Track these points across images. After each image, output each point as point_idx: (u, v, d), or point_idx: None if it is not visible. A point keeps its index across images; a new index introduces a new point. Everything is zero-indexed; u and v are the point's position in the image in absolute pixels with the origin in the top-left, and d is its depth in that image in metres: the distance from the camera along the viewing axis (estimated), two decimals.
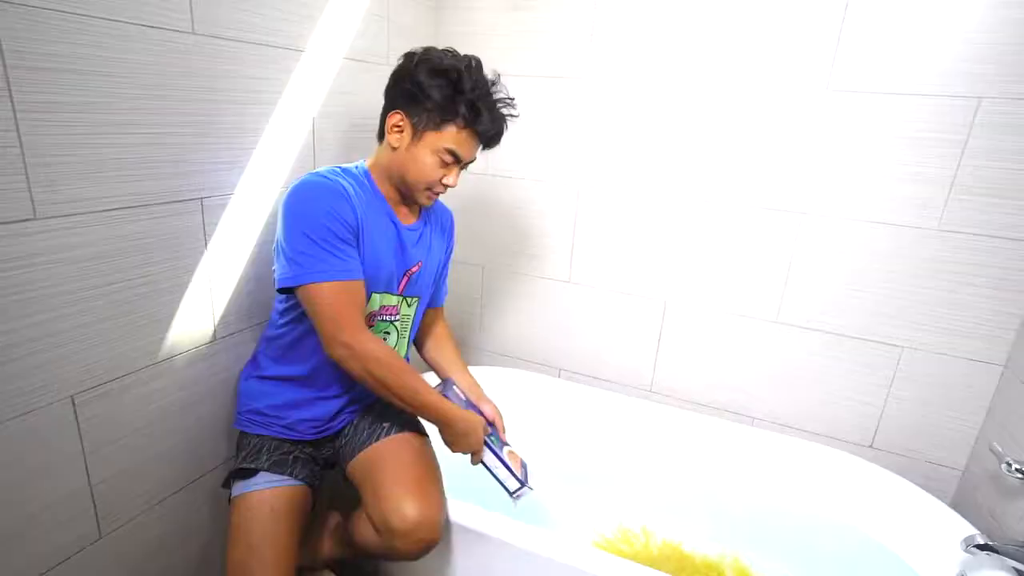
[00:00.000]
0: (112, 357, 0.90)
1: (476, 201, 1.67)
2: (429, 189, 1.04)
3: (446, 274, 1.27)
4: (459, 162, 1.03)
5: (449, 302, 1.34)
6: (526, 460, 1.16)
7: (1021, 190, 1.15)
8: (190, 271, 1.01)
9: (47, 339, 0.81)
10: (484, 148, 1.06)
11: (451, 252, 1.25)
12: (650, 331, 1.55)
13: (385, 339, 1.12)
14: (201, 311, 1.05)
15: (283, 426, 1.08)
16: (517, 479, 1.08)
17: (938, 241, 1.23)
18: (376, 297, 1.06)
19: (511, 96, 1.05)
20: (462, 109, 0.98)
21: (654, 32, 1.37)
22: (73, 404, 0.86)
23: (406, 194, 1.06)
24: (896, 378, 1.33)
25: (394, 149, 1.02)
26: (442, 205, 1.25)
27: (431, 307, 1.26)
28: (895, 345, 1.31)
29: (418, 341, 1.28)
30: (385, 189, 1.07)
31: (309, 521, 1.10)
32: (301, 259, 0.93)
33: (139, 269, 0.92)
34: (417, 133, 1.00)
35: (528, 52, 1.51)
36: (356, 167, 1.07)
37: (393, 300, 1.10)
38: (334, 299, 0.93)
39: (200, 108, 0.96)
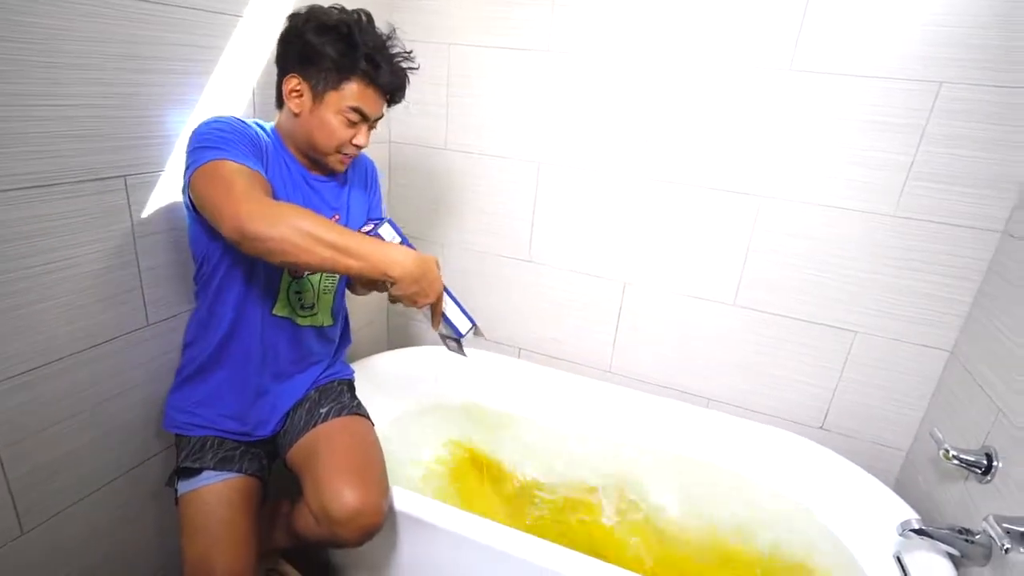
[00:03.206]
0: (29, 346, 0.85)
1: (434, 177, 1.62)
2: (340, 152, 0.99)
3: (379, 209, 1.21)
4: (366, 120, 0.98)
5: None
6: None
7: (976, 177, 1.14)
8: (117, 254, 0.95)
9: None
10: (389, 104, 1.02)
11: (379, 203, 1.20)
12: (609, 312, 1.54)
13: (299, 300, 1.06)
14: (130, 296, 0.99)
15: (224, 428, 1.04)
16: (470, 319, 1.01)
17: (894, 227, 1.22)
18: None
19: (408, 49, 1.00)
20: (361, 64, 0.93)
21: (618, 6, 1.31)
22: None
23: (316, 159, 1.01)
24: (848, 362, 1.34)
25: (296, 115, 0.97)
26: (362, 156, 1.18)
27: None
28: (848, 330, 1.32)
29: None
30: (295, 151, 1.02)
31: (260, 511, 1.07)
32: (204, 145, 0.84)
33: (56, 252, 0.86)
34: (317, 95, 0.94)
35: (489, 23, 1.43)
36: (263, 123, 1.01)
37: None
38: (236, 174, 0.82)
39: (120, 77, 0.89)
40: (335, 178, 1.09)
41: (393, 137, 1.64)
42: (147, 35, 0.91)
